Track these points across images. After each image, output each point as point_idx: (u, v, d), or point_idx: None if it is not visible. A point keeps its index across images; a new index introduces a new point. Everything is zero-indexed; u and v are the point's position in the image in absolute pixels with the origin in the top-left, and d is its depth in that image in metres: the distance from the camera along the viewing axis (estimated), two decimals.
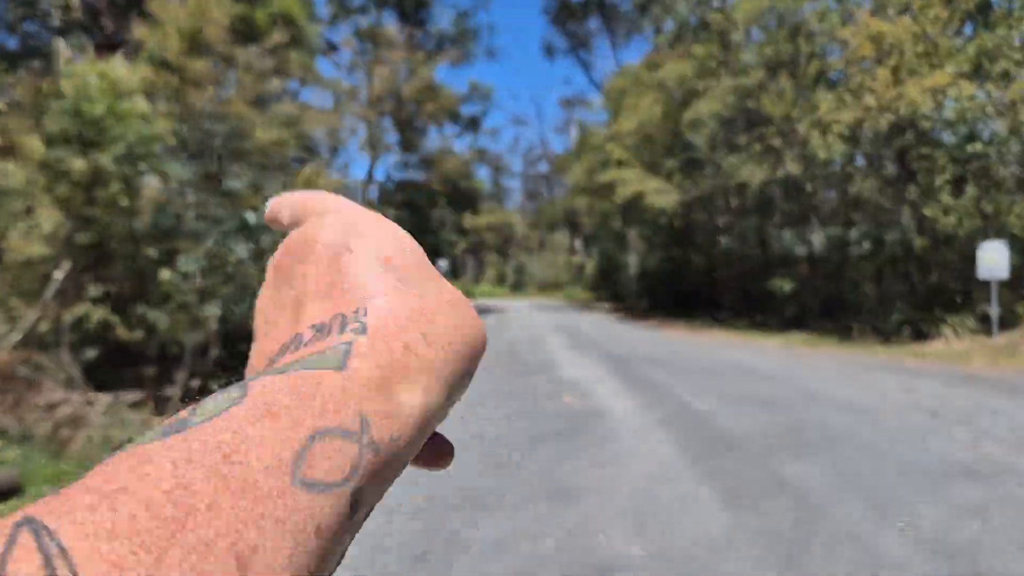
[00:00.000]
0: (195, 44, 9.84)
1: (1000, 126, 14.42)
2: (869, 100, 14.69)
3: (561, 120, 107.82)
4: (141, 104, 9.78)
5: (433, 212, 40.13)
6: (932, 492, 5.26)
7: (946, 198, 14.76)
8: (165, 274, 8.73)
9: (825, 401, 8.98)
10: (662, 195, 20.10)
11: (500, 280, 73.83)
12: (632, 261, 40.65)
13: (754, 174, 17.20)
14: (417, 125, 35.17)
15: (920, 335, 15.43)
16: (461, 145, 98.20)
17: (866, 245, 17.72)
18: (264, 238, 8.48)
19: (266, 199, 0.45)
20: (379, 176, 39.97)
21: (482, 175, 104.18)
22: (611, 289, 46.67)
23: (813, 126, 16.45)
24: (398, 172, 38.81)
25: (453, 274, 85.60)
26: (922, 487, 5.40)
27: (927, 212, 14.70)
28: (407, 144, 37.72)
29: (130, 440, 0.24)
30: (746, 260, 21.70)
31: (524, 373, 12.39)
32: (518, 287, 68.14)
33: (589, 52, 38.73)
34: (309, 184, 10.30)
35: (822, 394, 9.50)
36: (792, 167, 16.80)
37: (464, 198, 41.06)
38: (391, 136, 37.33)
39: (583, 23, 37.39)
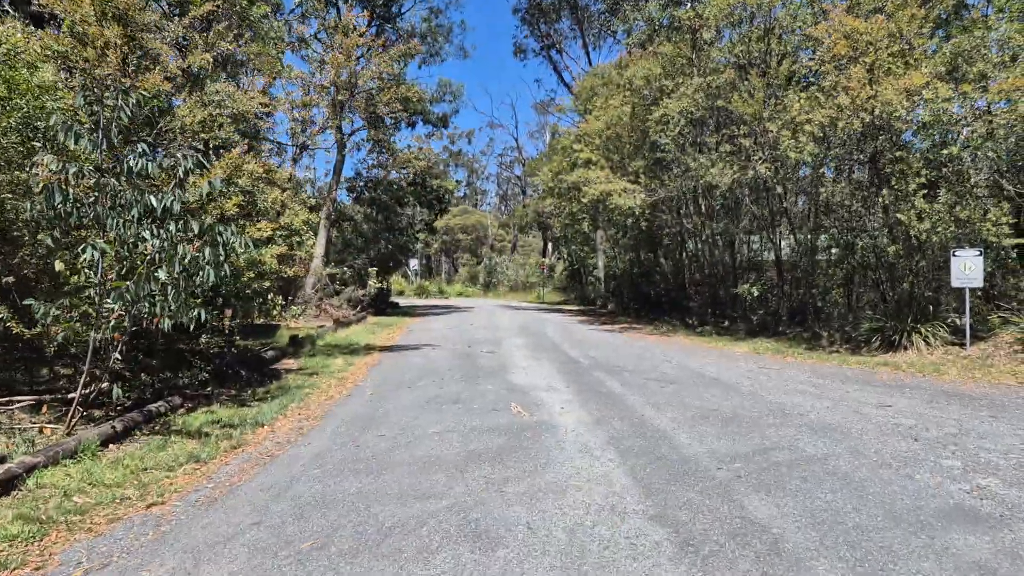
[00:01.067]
0: (106, 11, 8.82)
1: (976, 130, 13.80)
2: (843, 99, 13.99)
3: (535, 124, 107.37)
4: (45, 74, 8.73)
5: (402, 211, 39.07)
6: (929, 544, 4.44)
7: (920, 203, 14.12)
8: (59, 264, 7.70)
9: (796, 419, 8.18)
10: (629, 195, 19.33)
11: (473, 280, 72.92)
12: (600, 263, 39.93)
13: (723, 175, 16.46)
14: (387, 122, 34.12)
15: (891, 344, 14.76)
16: (436, 147, 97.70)
17: (835, 251, 17.08)
18: (175, 224, 7.47)
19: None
20: (348, 173, 38.86)
21: (458, 177, 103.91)
22: (580, 291, 46.04)
23: (784, 126, 15.75)
24: (369, 170, 37.74)
25: (428, 273, 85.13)
26: (916, 536, 4.57)
27: (901, 217, 14.03)
28: (377, 141, 36.63)
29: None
30: (714, 264, 20.99)
31: (476, 377, 11.49)
32: (490, 287, 67.23)
33: (561, 53, 37.88)
34: (237, 170, 9.34)
35: (792, 410, 8.70)
36: (762, 169, 16.08)
37: (435, 197, 40.01)
38: (360, 133, 36.30)
39: (554, 24, 36.60)
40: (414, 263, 67.07)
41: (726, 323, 19.83)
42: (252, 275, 9.95)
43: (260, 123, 11.54)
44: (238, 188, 9.37)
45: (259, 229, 9.80)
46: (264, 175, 9.85)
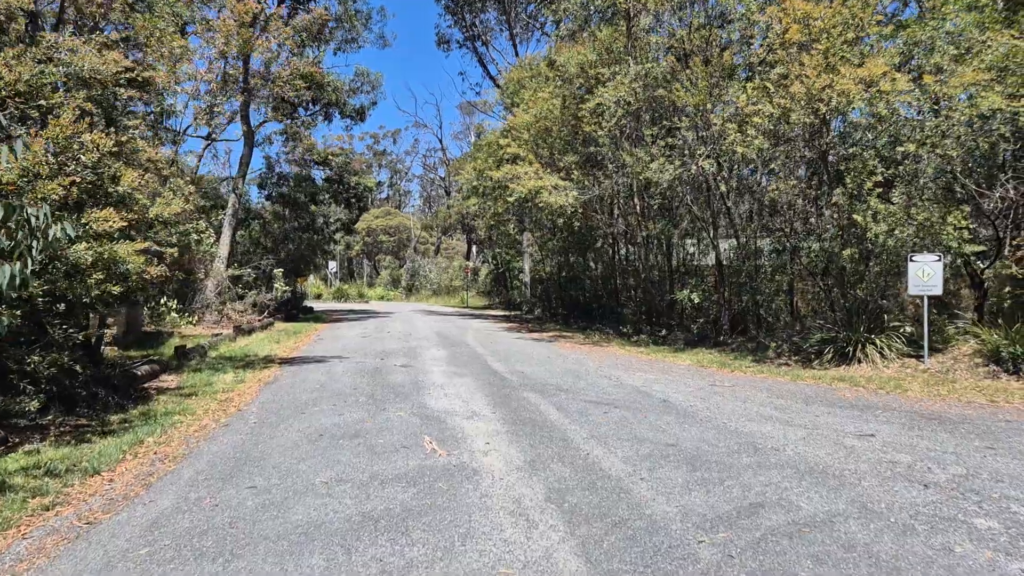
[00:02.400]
0: None
1: (938, 125, 12.77)
2: (797, 88, 12.77)
3: (460, 125, 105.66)
4: None
5: (318, 209, 36.74)
6: None
7: (875, 203, 13.02)
8: None
9: (773, 457, 6.68)
10: (560, 193, 17.80)
11: (395, 284, 70.54)
12: (526, 267, 38.45)
13: (663, 171, 15.07)
14: (300, 113, 31.79)
15: (844, 356, 13.62)
16: (360, 147, 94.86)
17: (781, 254, 15.93)
18: None
19: None
20: (261, 168, 36.29)
21: (382, 178, 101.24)
22: (505, 295, 44.49)
23: (730, 119, 14.50)
24: (278, 163, 35.28)
25: (349, 276, 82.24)
26: None
27: (857, 218, 12.90)
28: (290, 135, 34.25)
29: None
30: (650, 268, 19.69)
31: (385, 400, 9.66)
32: (413, 291, 65.10)
33: (487, 46, 36.15)
34: (67, 147, 7.21)
35: (765, 444, 7.22)
36: (706, 164, 14.78)
37: (354, 195, 37.76)
38: (273, 126, 33.87)
39: (480, 15, 34.89)
40: (333, 265, 64.44)
41: (663, 332, 18.49)
42: (100, 276, 7.87)
43: (123, 92, 9.45)
44: (77, 165, 7.31)
45: (103, 219, 7.74)
46: (113, 150, 7.80)
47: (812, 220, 14.65)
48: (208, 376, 12.34)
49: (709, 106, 14.92)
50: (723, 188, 15.64)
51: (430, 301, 55.39)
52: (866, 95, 12.62)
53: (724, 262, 17.22)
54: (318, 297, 57.92)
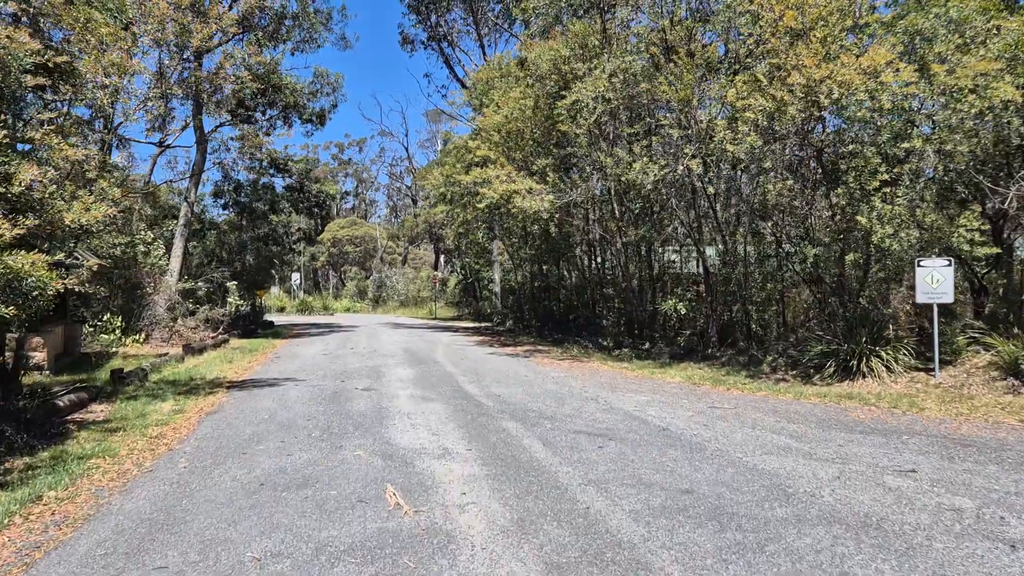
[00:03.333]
0: None
1: (947, 119, 11.80)
2: (795, 78, 11.72)
3: (426, 133, 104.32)
4: None
5: (278, 219, 35.15)
6: None
7: (879, 204, 12.01)
8: None
9: (813, 507, 5.49)
10: (535, 198, 16.58)
11: (361, 295, 68.82)
12: (496, 277, 37.23)
13: (647, 172, 13.92)
14: (257, 116, 30.24)
15: (847, 371, 12.57)
16: (324, 156, 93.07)
17: (773, 261, 14.89)
18: None
19: None
20: (216, 176, 34.58)
21: (347, 187, 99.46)
22: (474, 306, 43.23)
23: (719, 115, 13.43)
24: (233, 169, 33.64)
25: (315, 288, 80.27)
26: None
27: (860, 220, 11.86)
28: (248, 140, 32.67)
29: None
30: (630, 277, 18.55)
31: (342, 434, 8.33)
32: (379, 303, 63.48)
33: (453, 47, 34.87)
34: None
35: (796, 487, 6.03)
36: (693, 164, 13.66)
37: (315, 203, 36.21)
38: (228, 131, 32.28)
39: (445, 15, 33.60)
40: (296, 277, 62.69)
41: (646, 345, 17.33)
42: None
43: (29, 79, 8.03)
44: None
45: None
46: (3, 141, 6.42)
47: (809, 223, 13.61)
48: (144, 405, 10.87)
49: (695, 102, 13.82)
50: (711, 190, 14.54)
51: (397, 313, 53.90)
52: (869, 86, 11.59)
53: (710, 269, 16.13)
54: (281, 310, 56.07)
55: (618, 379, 13.46)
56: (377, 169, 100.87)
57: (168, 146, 32.00)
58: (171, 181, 35.98)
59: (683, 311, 15.72)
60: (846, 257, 12.48)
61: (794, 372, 13.56)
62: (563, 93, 16.44)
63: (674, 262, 19.14)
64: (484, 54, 31.60)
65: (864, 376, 12.51)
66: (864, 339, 12.71)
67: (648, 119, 15.22)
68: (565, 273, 25.32)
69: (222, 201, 30.52)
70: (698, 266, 18.11)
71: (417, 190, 78.80)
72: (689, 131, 14.45)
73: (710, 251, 16.58)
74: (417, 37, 34.60)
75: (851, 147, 12.63)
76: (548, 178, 17.20)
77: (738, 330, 16.00)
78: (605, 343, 18.41)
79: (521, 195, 16.67)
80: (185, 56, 20.67)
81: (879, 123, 12.46)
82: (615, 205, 18.14)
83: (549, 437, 8.09)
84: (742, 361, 14.86)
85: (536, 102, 19.27)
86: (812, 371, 13.22)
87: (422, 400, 10.77)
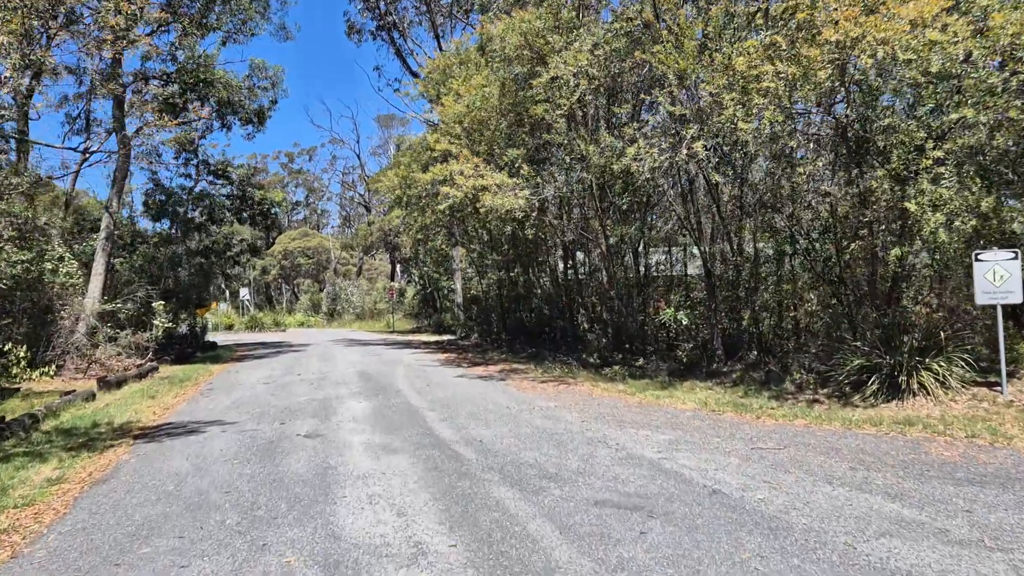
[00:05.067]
0: None
1: (1005, 84, 9.80)
2: (829, 34, 9.61)
3: (378, 139, 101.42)
4: None
5: (219, 230, 32.25)
6: None
7: (929, 187, 9.96)
8: None
9: None
10: (507, 195, 14.25)
11: (315, 309, 65.75)
12: (458, 286, 34.82)
13: (645, 158, 11.68)
14: (191, 118, 27.37)
15: (895, 388, 10.48)
16: (274, 167, 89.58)
17: (789, 259, 12.81)
18: None
19: None
20: (147, 185, 31.54)
21: (298, 197, 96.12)
22: (434, 317, 40.75)
23: (728, 87, 11.26)
24: (153, 170, 30.73)
25: (268, 302, 76.72)
26: None
27: (910, 207, 9.80)
28: (183, 145, 29.78)
29: None
30: (618, 282, 16.29)
31: (272, 520, 5.88)
32: (335, 316, 60.60)
33: (405, 37, 32.34)
34: None
35: None
36: (698, 148, 11.47)
37: (259, 212, 33.33)
38: (161, 135, 29.31)
39: (395, 2, 31.04)
40: (245, 292, 59.39)
41: (640, 361, 15.09)
42: None
43: None
44: None
45: None
46: None
47: (835, 212, 11.50)
48: (14, 471, 8.21)
49: (700, 71, 11.63)
50: (716, 178, 12.36)
51: (353, 326, 51.11)
52: (914, 43, 9.53)
53: (713, 271, 13.95)
54: (229, 328, 52.78)
55: (619, 408, 11.16)
56: (329, 178, 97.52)
57: (92, 152, 29.09)
58: (98, 198, 32.85)
59: (685, 321, 13.52)
60: (893, 252, 10.34)
61: (825, 391, 11.45)
62: (538, 69, 14.13)
63: (662, 263, 16.96)
64: (439, 45, 29.21)
65: (914, 394, 10.44)
66: (909, 349, 10.65)
67: (643, 96, 12.95)
68: (535, 280, 23.02)
69: (153, 212, 27.55)
70: (684, 269, 15.99)
71: (370, 198, 76.20)
72: (687, 110, 12.27)
73: (712, 249, 14.42)
74: (365, 27, 32.09)
75: (887, 121, 10.55)
76: (522, 171, 14.86)
77: (747, 341, 13.85)
78: (591, 359, 16.11)
79: (491, 192, 14.31)
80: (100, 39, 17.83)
81: (922, 91, 10.41)
82: (597, 201, 15.86)
83: (563, 515, 5.75)
84: (757, 378, 12.70)
85: (503, 87, 16.95)
86: (849, 389, 11.12)
87: (382, 451, 8.33)
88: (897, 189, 10.40)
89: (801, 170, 10.94)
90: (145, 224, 30.50)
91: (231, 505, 6.40)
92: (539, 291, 22.74)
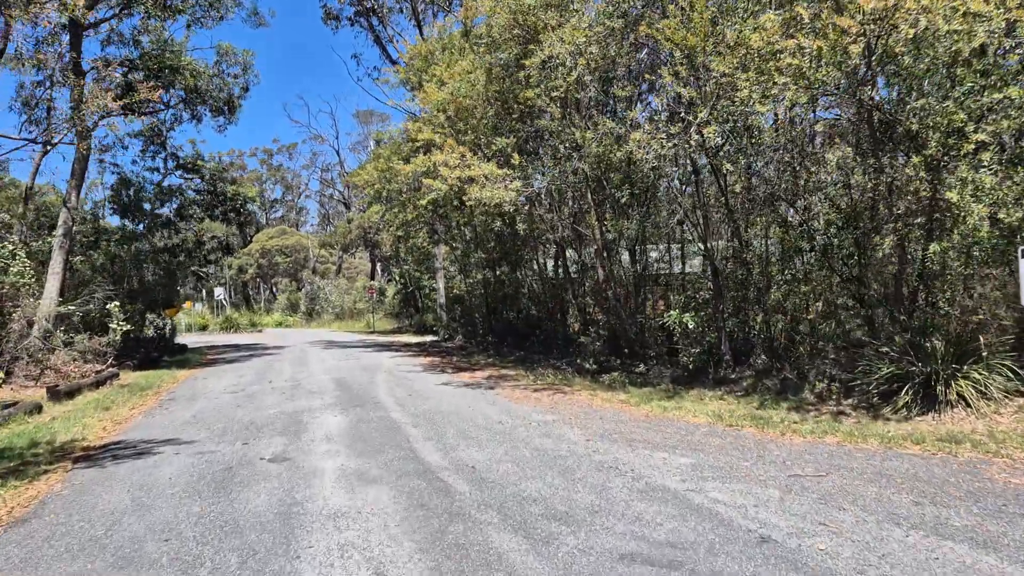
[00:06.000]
0: None
1: None
2: (866, 2, 8.54)
3: (357, 135, 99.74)
4: None
5: (188, 227, 30.75)
6: None
7: (971, 175, 8.91)
8: None
9: None
10: (496, 186, 13.06)
11: (294, 308, 64.12)
12: (441, 285, 33.57)
13: (652, 144, 10.55)
14: (159, 108, 25.90)
15: (931, 399, 9.44)
16: (252, 164, 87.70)
17: (809, 256, 11.74)
18: None
19: None
20: (109, 179, 30.01)
21: (275, 195, 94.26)
22: (416, 317, 39.50)
23: (743, 66, 10.17)
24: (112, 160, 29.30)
25: (246, 302, 74.95)
26: None
27: (951, 196, 8.76)
28: (151, 137, 28.25)
29: None
30: (616, 281, 15.14)
31: None
32: (313, 316, 59.11)
33: (384, 25, 30.97)
34: None
35: None
36: (710, 133, 10.37)
37: (231, 209, 31.83)
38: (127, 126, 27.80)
39: None
40: (219, 292, 57.72)
41: (640, 367, 13.96)
42: None
43: None
44: None
45: None
46: None
47: (867, 203, 10.43)
48: None
49: (709, 47, 10.50)
50: (727, 166, 11.25)
51: (332, 327, 49.71)
52: (958, 13, 8.48)
53: (720, 270, 12.85)
54: (204, 329, 51.21)
55: (625, 422, 10.01)
56: (309, 175, 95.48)
57: (53, 144, 27.51)
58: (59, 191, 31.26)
59: (691, 324, 12.41)
60: (932, 247, 9.27)
61: (850, 401, 10.38)
62: (531, 48, 12.92)
63: (663, 263, 15.83)
64: (421, 33, 27.94)
65: (951, 406, 9.40)
66: (944, 356, 9.61)
67: (648, 76, 11.77)
68: (523, 278, 21.84)
69: (117, 207, 26.02)
70: (690, 266, 14.89)
71: (350, 195, 74.78)
72: (694, 93, 11.14)
73: (717, 245, 13.31)
74: (343, 12, 30.72)
75: (921, 102, 9.49)
76: (513, 160, 13.65)
77: (756, 345, 12.77)
78: (587, 365, 14.96)
79: (479, 184, 13.11)
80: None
81: (959, 69, 9.36)
82: (593, 194, 14.71)
83: (578, 570, 4.59)
84: (771, 387, 11.62)
85: (489, 73, 15.76)
86: (877, 399, 10.06)
87: (358, 481, 7.12)
88: (932, 178, 9.34)
89: (831, 156, 9.83)
90: (113, 221, 29.01)
91: (169, 559, 5.18)
92: (527, 291, 21.56)
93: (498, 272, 22.55)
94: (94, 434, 10.65)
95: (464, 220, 20.34)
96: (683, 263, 15.76)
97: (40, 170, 29.84)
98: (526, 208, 14.71)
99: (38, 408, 13.04)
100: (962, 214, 8.91)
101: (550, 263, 20.35)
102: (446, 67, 17.78)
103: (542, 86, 12.98)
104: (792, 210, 11.81)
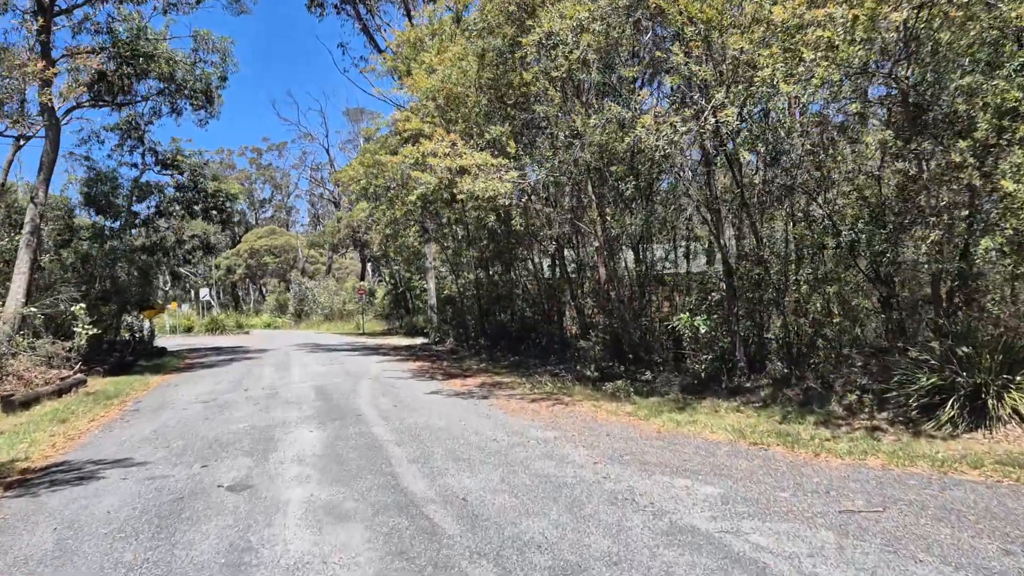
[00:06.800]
0: None
1: None
2: None
3: (347, 133, 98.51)
4: None
5: (167, 224, 29.51)
6: None
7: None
8: None
9: None
10: (491, 177, 11.97)
11: (282, 309, 62.83)
12: (431, 286, 32.45)
13: (663, 130, 9.48)
14: (137, 100, 24.69)
15: (980, 414, 8.41)
16: (242, 163, 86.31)
17: (833, 253, 10.69)
18: None
19: None
20: (80, 173, 28.60)
21: (264, 195, 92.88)
22: (406, 318, 38.39)
23: (764, 42, 9.13)
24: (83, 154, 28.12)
25: (234, 303, 73.65)
26: None
27: (1006, 185, 7.75)
28: (127, 131, 27.00)
29: None
30: (619, 282, 14.06)
31: None
32: (302, 317, 57.85)
33: (372, 13, 29.80)
34: None
35: None
36: (728, 116, 9.32)
37: (213, 206, 30.56)
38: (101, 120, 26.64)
39: None
40: (205, 292, 56.43)
41: (646, 374, 12.89)
42: None
43: None
44: None
45: None
46: None
47: (912, 193, 9.37)
48: None
49: (727, 21, 9.44)
50: (745, 155, 10.20)
51: (321, 328, 48.52)
52: None
53: (735, 269, 11.77)
54: (189, 331, 49.91)
55: (635, 440, 8.92)
56: (299, 174, 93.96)
57: (28, 138, 26.26)
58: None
59: (703, 328, 11.34)
60: (983, 243, 8.22)
61: (885, 415, 9.32)
62: (530, 23, 11.81)
63: (670, 261, 14.75)
64: (410, 20, 26.79)
65: (1004, 422, 8.37)
66: (992, 365, 8.57)
67: (659, 53, 10.69)
68: (518, 279, 20.74)
69: (90, 203, 24.78)
70: (697, 265, 13.83)
71: (340, 194, 73.47)
72: (713, 73, 10.07)
73: (725, 244, 12.24)
74: (328, 1, 29.49)
75: (967, 80, 8.45)
76: (508, 149, 12.56)
77: (773, 352, 11.72)
78: (588, 372, 13.87)
79: (471, 175, 12.01)
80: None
81: (1008, 46, 8.33)
82: (591, 187, 13.62)
83: None
84: (792, 397, 10.56)
85: (482, 59, 14.67)
86: (916, 413, 9.00)
87: (328, 517, 6.01)
88: (981, 164, 8.30)
89: (870, 140, 8.77)
90: (87, 219, 27.74)
91: None
92: (521, 291, 20.46)
93: (491, 272, 21.44)
94: (40, 452, 9.51)
95: (455, 216, 19.28)
96: (688, 261, 14.70)
97: (12, 167, 28.55)
98: (522, 202, 13.62)
99: None
100: (1017, 205, 7.87)
101: (546, 262, 19.26)
102: (436, 53, 16.70)
103: (540, 65, 11.90)
104: (814, 203, 10.74)
